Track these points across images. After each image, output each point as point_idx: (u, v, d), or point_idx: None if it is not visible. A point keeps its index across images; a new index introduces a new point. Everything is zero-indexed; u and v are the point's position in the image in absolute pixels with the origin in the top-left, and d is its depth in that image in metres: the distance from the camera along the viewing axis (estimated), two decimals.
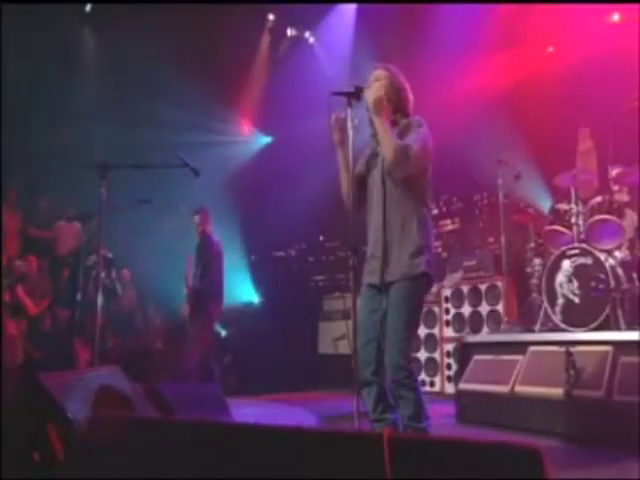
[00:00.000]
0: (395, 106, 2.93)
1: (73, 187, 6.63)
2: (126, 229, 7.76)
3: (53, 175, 7.11)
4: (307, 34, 8.71)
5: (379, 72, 2.97)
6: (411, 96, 3.02)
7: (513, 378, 4.32)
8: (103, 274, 5.70)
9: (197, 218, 5.88)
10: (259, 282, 9.08)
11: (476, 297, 6.27)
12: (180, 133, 7.52)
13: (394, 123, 2.91)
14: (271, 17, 8.63)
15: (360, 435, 1.14)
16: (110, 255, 6.19)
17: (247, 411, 5.40)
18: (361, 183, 2.95)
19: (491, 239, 7.05)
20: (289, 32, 8.50)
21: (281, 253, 9.59)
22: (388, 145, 2.74)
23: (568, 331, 4.45)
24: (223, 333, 8.17)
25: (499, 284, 6.03)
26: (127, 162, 4.40)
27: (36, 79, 7.15)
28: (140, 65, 7.49)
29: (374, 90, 2.80)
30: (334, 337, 4.99)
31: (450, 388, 6.07)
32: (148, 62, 7.44)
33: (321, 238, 9.19)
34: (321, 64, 8.49)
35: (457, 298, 6.49)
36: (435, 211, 7.91)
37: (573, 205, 4.88)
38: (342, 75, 7.94)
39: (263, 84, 8.96)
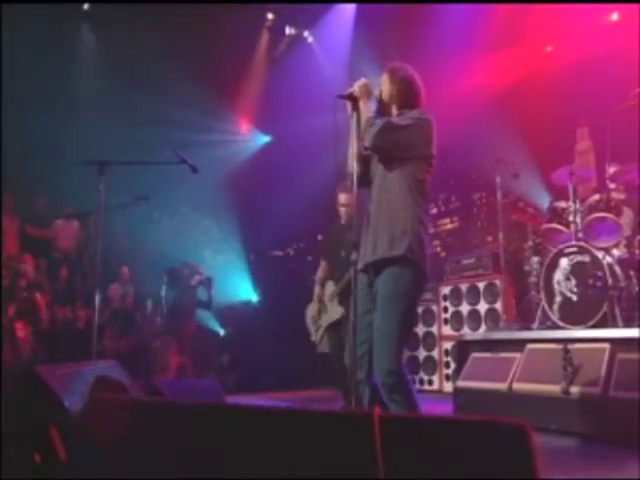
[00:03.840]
0: (399, 102, 2.96)
1: (71, 185, 6.65)
2: (125, 226, 7.79)
3: (51, 173, 7.12)
4: (306, 33, 8.72)
5: (382, 77, 3.03)
6: (421, 89, 3.01)
7: (511, 375, 4.33)
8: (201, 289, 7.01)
9: None
10: (257, 281, 9.09)
11: (474, 295, 6.29)
12: (178, 131, 7.53)
13: (400, 116, 2.93)
14: (270, 16, 8.65)
15: (350, 414, 1.15)
16: (208, 274, 7.18)
17: None
18: (366, 163, 2.97)
19: (489, 238, 7.08)
20: (288, 31, 8.51)
21: (279, 252, 9.60)
22: (364, 120, 2.83)
23: (566, 329, 4.46)
24: (222, 332, 8.19)
25: (497, 282, 6.04)
26: (125, 159, 4.41)
27: (34, 76, 7.16)
28: (139, 63, 7.50)
29: (359, 80, 2.92)
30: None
31: (448, 387, 6.08)
32: (147, 60, 7.46)
33: (319, 237, 9.19)
34: (320, 63, 8.51)
35: (455, 296, 6.51)
36: (434, 210, 7.94)
37: (571, 203, 4.89)
38: (341, 74, 7.96)
39: (262, 83, 8.98)
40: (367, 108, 2.87)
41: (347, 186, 5.02)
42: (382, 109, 2.98)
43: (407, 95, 2.96)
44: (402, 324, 2.67)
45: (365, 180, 2.99)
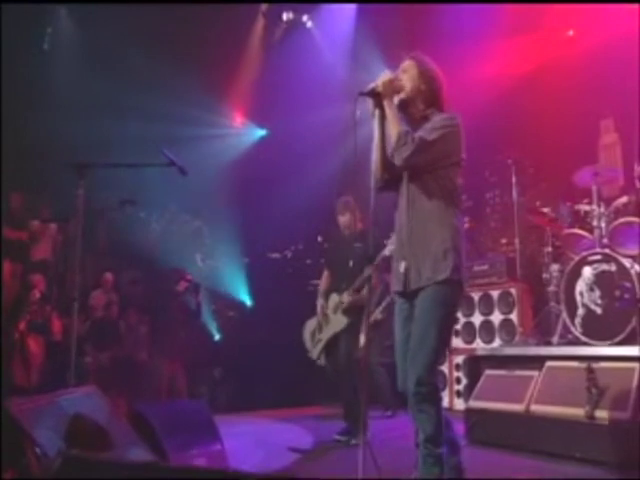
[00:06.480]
0: (426, 98, 2.93)
1: (49, 184, 6.58)
2: (109, 228, 7.73)
3: (27, 171, 7.05)
4: (305, 17, 8.65)
5: (406, 63, 2.98)
6: (444, 83, 3.00)
7: (528, 396, 4.27)
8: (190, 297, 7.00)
9: None
10: (253, 287, 9.03)
11: (488, 305, 6.21)
12: (167, 126, 7.48)
13: (426, 118, 2.90)
14: None
15: None
16: (196, 280, 7.21)
17: (239, 430, 5.35)
18: (392, 167, 2.93)
19: (504, 240, 7.00)
20: (285, 16, 8.45)
21: (276, 255, 9.54)
22: (392, 129, 2.81)
23: (589, 345, 4.41)
24: (213, 343, 8.14)
25: (513, 291, 5.97)
26: (107, 161, 4.34)
27: (9, 67, 7.07)
28: (122, 52, 7.43)
29: (383, 75, 2.87)
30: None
31: (459, 404, 6.04)
32: (131, 49, 7.39)
33: (319, 239, 9.13)
34: (320, 50, 8.43)
35: (467, 306, 6.42)
36: None
37: (595, 206, 4.83)
38: (343, 62, 7.89)
39: (257, 72, 8.91)
40: (393, 111, 2.83)
41: (344, 206, 5.04)
42: (406, 103, 2.94)
43: (433, 91, 2.94)
44: (441, 334, 2.77)
45: (391, 185, 2.98)
